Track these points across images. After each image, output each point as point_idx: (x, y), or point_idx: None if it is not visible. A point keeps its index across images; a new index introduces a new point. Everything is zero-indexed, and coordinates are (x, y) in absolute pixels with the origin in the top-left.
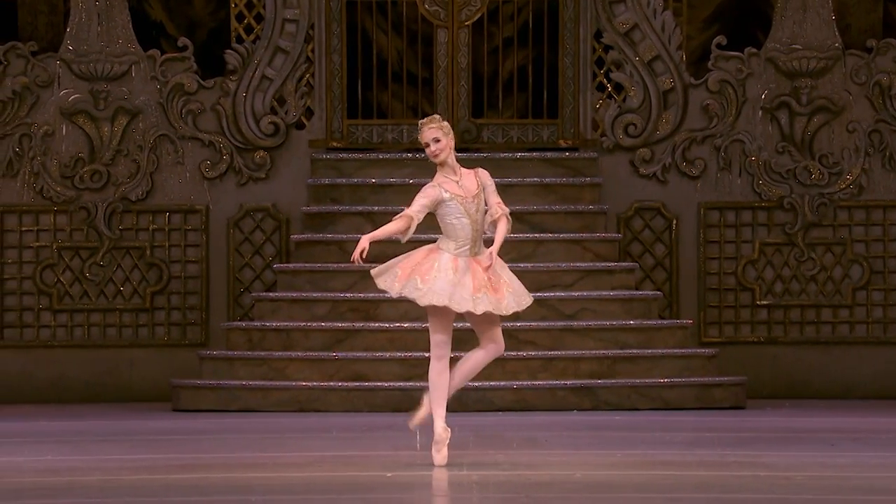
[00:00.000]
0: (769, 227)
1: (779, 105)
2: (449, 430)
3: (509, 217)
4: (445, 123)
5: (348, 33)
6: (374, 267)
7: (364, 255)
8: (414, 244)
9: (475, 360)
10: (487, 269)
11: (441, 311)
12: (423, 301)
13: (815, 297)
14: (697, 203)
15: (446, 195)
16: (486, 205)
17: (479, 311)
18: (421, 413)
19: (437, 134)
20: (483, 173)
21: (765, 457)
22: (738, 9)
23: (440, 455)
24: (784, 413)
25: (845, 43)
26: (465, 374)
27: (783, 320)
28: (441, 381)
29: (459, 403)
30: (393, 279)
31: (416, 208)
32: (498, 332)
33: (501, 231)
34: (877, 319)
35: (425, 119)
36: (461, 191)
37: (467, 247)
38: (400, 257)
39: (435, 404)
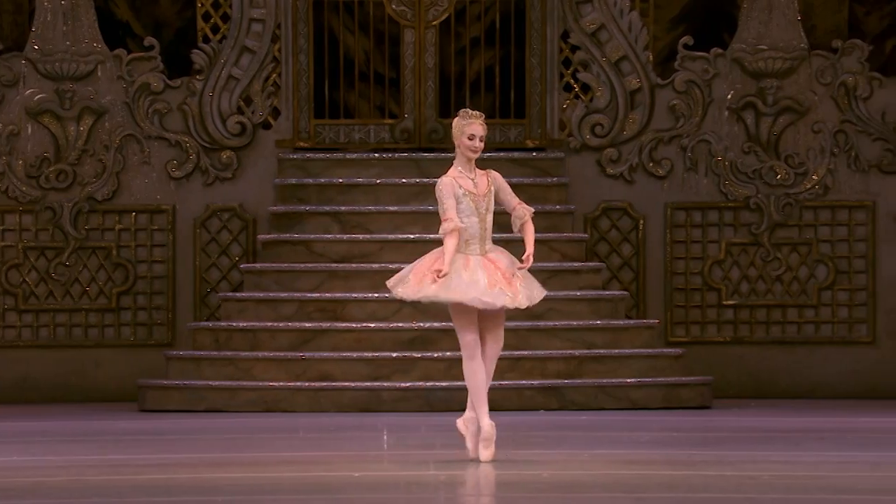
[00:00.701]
0: (735, 228)
1: (745, 105)
2: (494, 425)
3: (533, 215)
4: (486, 127)
5: (315, 33)
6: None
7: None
8: (437, 245)
9: (484, 366)
10: (522, 268)
11: (464, 311)
12: (442, 297)
13: (781, 297)
14: (664, 203)
15: (460, 191)
16: (504, 206)
17: (498, 304)
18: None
19: (482, 132)
20: (496, 175)
21: (731, 456)
22: (705, 9)
23: (488, 452)
24: (750, 413)
25: (811, 43)
26: (487, 380)
27: (749, 320)
28: (478, 380)
29: (426, 403)
30: (408, 286)
31: (452, 212)
32: (500, 329)
33: (531, 231)
34: (842, 319)
35: (475, 112)
36: (474, 189)
37: (475, 245)
38: (411, 265)
39: (477, 403)
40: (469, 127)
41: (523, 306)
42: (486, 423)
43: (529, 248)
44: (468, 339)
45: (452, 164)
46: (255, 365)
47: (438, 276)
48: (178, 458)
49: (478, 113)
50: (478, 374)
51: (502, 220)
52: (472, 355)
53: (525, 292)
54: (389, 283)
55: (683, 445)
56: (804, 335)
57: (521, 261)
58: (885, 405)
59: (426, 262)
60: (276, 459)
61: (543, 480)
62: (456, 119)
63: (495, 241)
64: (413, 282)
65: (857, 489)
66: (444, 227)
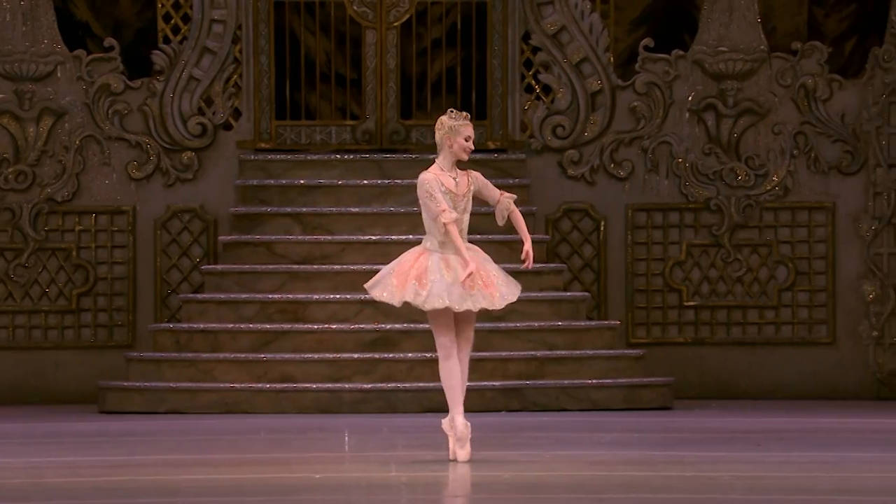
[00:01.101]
0: (696, 229)
1: (705, 107)
2: (469, 425)
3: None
4: None
5: (276, 34)
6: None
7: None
8: (398, 246)
9: (459, 366)
10: (527, 263)
11: (442, 313)
12: (427, 306)
13: (742, 298)
14: (625, 204)
15: (442, 188)
16: (487, 200)
17: (476, 308)
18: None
19: (472, 133)
20: (476, 174)
21: (692, 457)
22: (665, 11)
23: (464, 451)
24: (711, 413)
25: (771, 45)
26: (462, 381)
27: (710, 321)
28: (454, 381)
29: (388, 405)
30: (391, 289)
31: (445, 205)
32: (471, 329)
33: (521, 218)
34: (802, 320)
35: (463, 113)
36: (455, 188)
37: (451, 247)
38: (390, 265)
39: (453, 403)
40: (464, 128)
41: (502, 306)
42: (461, 422)
43: (527, 242)
44: (444, 340)
45: (434, 163)
46: (216, 366)
47: (468, 279)
48: (139, 460)
49: (465, 113)
50: (454, 374)
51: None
52: (449, 355)
53: (502, 290)
54: (367, 284)
55: (644, 446)
56: (764, 336)
57: (522, 259)
58: (845, 406)
59: (405, 262)
60: (236, 461)
61: (505, 481)
62: (444, 119)
63: (494, 243)
64: (396, 284)
65: (817, 489)
66: (445, 216)
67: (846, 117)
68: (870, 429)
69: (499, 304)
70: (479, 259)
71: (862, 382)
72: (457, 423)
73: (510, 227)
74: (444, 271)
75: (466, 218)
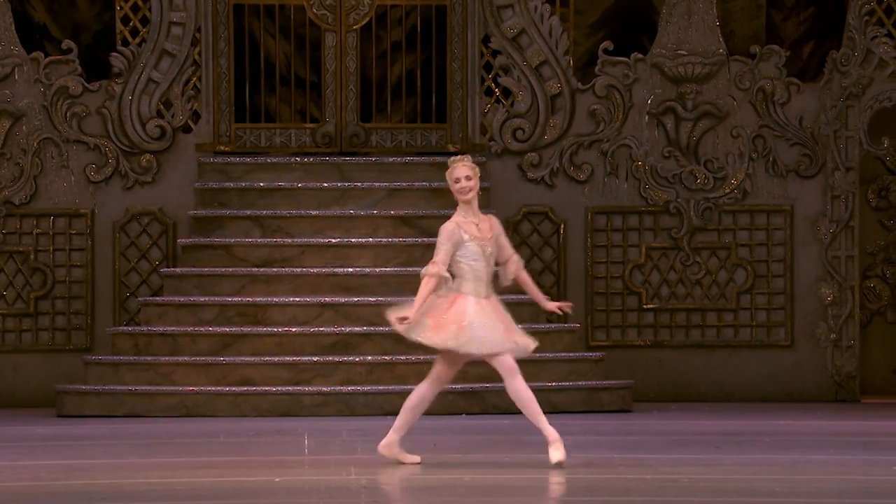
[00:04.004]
0: (655, 232)
1: (665, 110)
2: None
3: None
4: (475, 165)
5: (235, 37)
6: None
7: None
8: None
9: (421, 395)
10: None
11: (459, 356)
12: (463, 351)
13: (701, 300)
14: (585, 207)
15: (466, 236)
16: (497, 253)
17: (511, 354)
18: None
19: (469, 172)
20: (495, 221)
21: (651, 459)
22: (625, 14)
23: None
24: (670, 416)
25: (729, 49)
26: (417, 412)
27: (669, 324)
28: (422, 407)
29: (347, 408)
30: (429, 332)
31: (443, 257)
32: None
33: (531, 283)
34: (760, 323)
35: (457, 157)
36: (479, 233)
37: (483, 288)
38: (421, 307)
39: (402, 424)
40: (454, 171)
41: (523, 355)
42: (553, 430)
43: (548, 303)
44: (446, 374)
45: (455, 211)
46: (175, 370)
47: (402, 323)
48: (97, 464)
49: (459, 157)
50: (424, 401)
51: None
52: (441, 382)
53: (522, 341)
54: (400, 329)
55: (604, 449)
56: (723, 339)
57: (552, 310)
58: (803, 408)
59: (441, 306)
60: (195, 464)
61: (465, 484)
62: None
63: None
64: (432, 325)
65: (775, 492)
66: (429, 269)
67: (804, 120)
68: (827, 431)
69: (521, 354)
70: (500, 309)
71: (820, 385)
72: (549, 433)
73: None
74: (482, 314)
75: (493, 262)
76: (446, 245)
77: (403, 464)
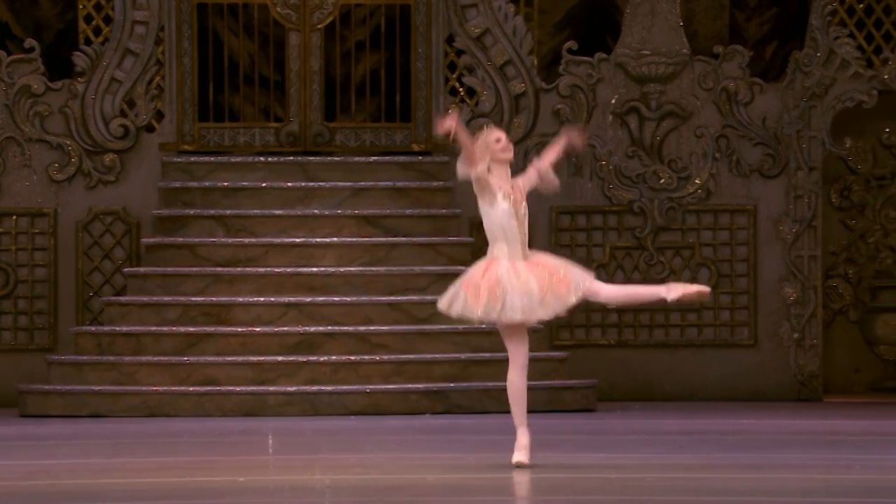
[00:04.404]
0: (619, 231)
1: (629, 110)
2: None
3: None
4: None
5: (199, 36)
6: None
7: (452, 130)
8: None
9: (511, 382)
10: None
11: (516, 326)
12: (504, 320)
13: None
14: (549, 207)
15: (500, 192)
16: (531, 178)
17: (548, 316)
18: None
19: (502, 135)
20: (518, 180)
21: (615, 459)
22: (589, 14)
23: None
24: (634, 415)
25: (693, 49)
26: (520, 399)
27: (633, 323)
28: (518, 394)
29: (312, 407)
30: (466, 303)
31: (479, 155)
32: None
33: (549, 154)
34: (724, 322)
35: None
36: (511, 191)
37: (517, 250)
38: (458, 280)
39: (519, 419)
40: (492, 132)
41: (573, 302)
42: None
43: (559, 146)
44: (519, 349)
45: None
46: (139, 369)
47: (447, 122)
48: (61, 464)
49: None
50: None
51: None
52: (523, 365)
53: (574, 281)
54: (441, 305)
55: (568, 448)
56: (687, 338)
57: (571, 145)
58: (766, 407)
59: (475, 274)
60: (159, 465)
61: (428, 484)
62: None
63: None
64: (471, 298)
65: (737, 491)
66: (473, 169)
67: (767, 121)
68: (790, 430)
69: (569, 302)
70: (546, 261)
71: (783, 384)
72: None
73: (432, 229)
74: (514, 280)
75: (527, 224)
76: (482, 166)
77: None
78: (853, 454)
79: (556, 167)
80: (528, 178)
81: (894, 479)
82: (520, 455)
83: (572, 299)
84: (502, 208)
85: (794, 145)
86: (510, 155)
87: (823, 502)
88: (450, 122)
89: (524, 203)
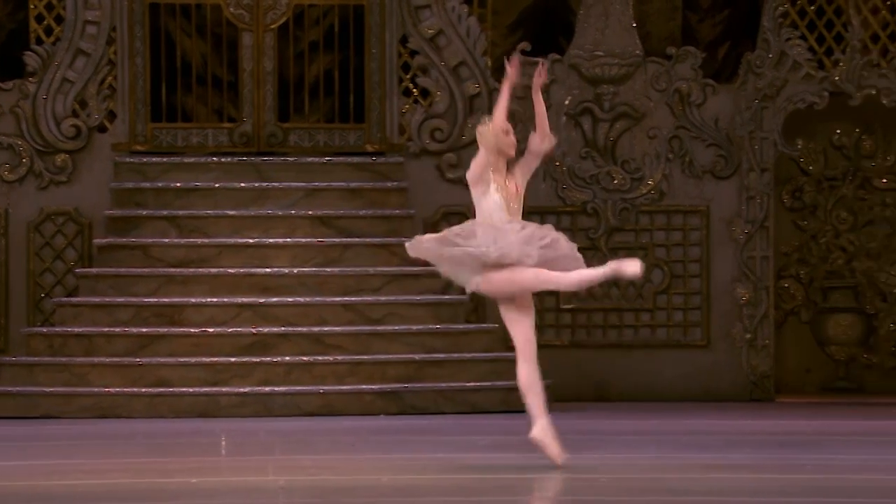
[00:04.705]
0: (573, 232)
1: (582, 111)
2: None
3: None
4: None
5: (151, 36)
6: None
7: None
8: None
9: (520, 376)
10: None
11: (510, 299)
12: (492, 256)
13: (618, 300)
14: None
15: (493, 185)
16: (531, 159)
17: (529, 262)
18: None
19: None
20: (512, 176)
21: (568, 459)
22: (542, 15)
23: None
24: (587, 416)
25: (646, 50)
26: (534, 390)
27: (587, 324)
28: (532, 385)
29: (265, 408)
30: (433, 244)
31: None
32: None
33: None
34: (677, 323)
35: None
36: (505, 184)
37: None
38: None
39: (536, 410)
40: (503, 124)
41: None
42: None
43: (536, 85)
44: (515, 334)
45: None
46: (91, 371)
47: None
48: (12, 466)
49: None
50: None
51: None
52: (531, 357)
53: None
54: (409, 246)
55: (522, 449)
56: (640, 339)
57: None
58: (719, 407)
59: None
60: (112, 466)
61: (383, 485)
62: (480, 128)
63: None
64: (436, 239)
65: (690, 491)
66: (494, 124)
67: (720, 122)
68: (742, 430)
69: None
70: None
71: (735, 384)
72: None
73: (386, 230)
74: (490, 228)
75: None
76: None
77: (547, 454)
78: (805, 454)
79: (541, 116)
80: (528, 166)
81: (846, 478)
82: (554, 449)
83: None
84: (493, 200)
85: (747, 146)
86: (513, 151)
87: (776, 502)
88: (515, 72)
89: (519, 197)
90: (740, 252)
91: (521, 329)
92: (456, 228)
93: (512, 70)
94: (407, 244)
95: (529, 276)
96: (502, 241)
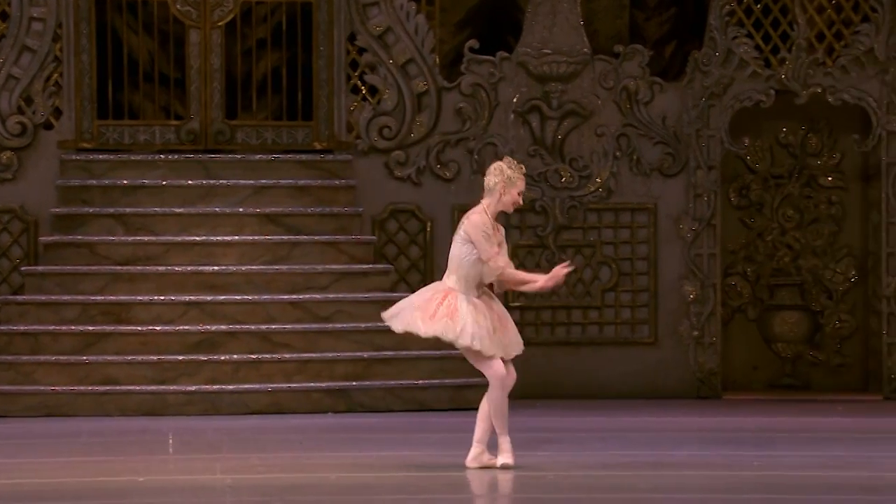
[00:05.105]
0: (521, 230)
1: (530, 109)
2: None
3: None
4: None
5: (98, 33)
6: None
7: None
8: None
9: (498, 400)
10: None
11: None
12: (462, 342)
13: (566, 298)
14: (451, 205)
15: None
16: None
17: (510, 356)
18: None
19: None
20: (501, 228)
21: (519, 457)
22: (490, 13)
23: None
24: (535, 413)
25: (593, 48)
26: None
27: (535, 321)
28: (504, 407)
29: (212, 406)
30: (415, 320)
31: (495, 249)
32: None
33: (518, 275)
34: (625, 320)
35: (514, 163)
36: (492, 237)
37: (474, 290)
38: (409, 299)
39: (499, 428)
40: (521, 182)
41: (510, 357)
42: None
43: (540, 280)
44: (498, 364)
45: (484, 205)
46: (37, 369)
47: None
48: None
49: (518, 165)
50: (506, 401)
51: None
52: (508, 385)
53: (513, 340)
54: (386, 315)
55: (470, 447)
56: (588, 336)
57: (550, 285)
58: (666, 404)
59: (429, 296)
60: (58, 465)
61: (331, 483)
62: (503, 167)
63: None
64: (424, 316)
65: (637, 488)
66: (498, 263)
67: (667, 120)
68: (690, 427)
69: (513, 353)
70: (495, 306)
71: (682, 381)
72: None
73: (334, 228)
74: (473, 313)
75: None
76: (485, 240)
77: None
78: (752, 451)
79: (518, 284)
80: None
81: (791, 475)
82: (505, 457)
83: (514, 352)
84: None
85: (694, 144)
86: (511, 210)
87: (723, 499)
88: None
89: (502, 249)
90: (688, 250)
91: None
92: (438, 292)
93: (551, 282)
94: (387, 318)
95: (490, 367)
96: (483, 335)
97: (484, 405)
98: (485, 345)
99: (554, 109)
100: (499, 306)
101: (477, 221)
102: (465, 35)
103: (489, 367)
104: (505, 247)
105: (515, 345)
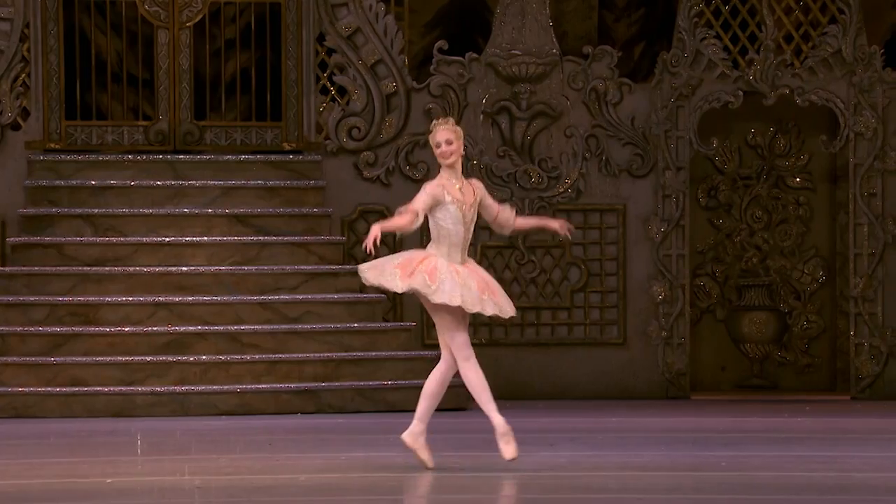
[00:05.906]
0: (490, 230)
1: (499, 110)
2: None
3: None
4: (458, 128)
5: (66, 33)
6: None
7: (377, 243)
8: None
9: (441, 377)
10: (565, 229)
11: (454, 311)
12: (436, 298)
13: (536, 299)
14: None
15: (448, 197)
16: (485, 212)
17: (488, 312)
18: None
19: (450, 136)
20: (478, 183)
21: (486, 458)
22: (459, 14)
23: (510, 447)
24: (505, 414)
25: (563, 49)
26: (437, 394)
27: (504, 322)
28: (481, 380)
29: (181, 408)
30: (393, 276)
31: (420, 205)
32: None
33: (531, 220)
34: (594, 321)
35: (439, 120)
36: (461, 196)
37: (457, 254)
38: (389, 257)
39: (485, 402)
40: (435, 135)
41: (506, 316)
42: (500, 420)
43: (552, 222)
44: (461, 338)
45: (439, 174)
46: (5, 370)
47: (373, 245)
48: None
49: (441, 119)
50: (480, 374)
51: None
52: (468, 355)
53: (505, 302)
54: (362, 267)
55: (440, 447)
56: (557, 337)
57: (558, 229)
58: (635, 405)
59: (410, 256)
60: (26, 466)
61: (300, 484)
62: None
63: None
64: (402, 273)
65: (607, 488)
66: (403, 208)
67: (636, 120)
68: (658, 428)
69: (504, 313)
70: (481, 272)
71: (651, 382)
72: (497, 421)
73: (303, 229)
74: (453, 273)
75: (472, 229)
76: (425, 197)
77: (421, 459)
78: (720, 451)
79: (520, 230)
80: (488, 205)
81: (760, 476)
82: (509, 452)
83: (504, 315)
84: (450, 212)
85: (663, 145)
86: (450, 161)
87: (691, 499)
88: (369, 242)
89: (473, 209)
90: (656, 250)
91: (464, 333)
92: (419, 255)
93: (560, 226)
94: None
95: (455, 339)
96: (467, 294)
97: (430, 382)
98: (466, 300)
99: (523, 110)
100: (484, 273)
101: (426, 184)
102: (435, 36)
103: (454, 339)
104: (491, 202)
105: (507, 305)
